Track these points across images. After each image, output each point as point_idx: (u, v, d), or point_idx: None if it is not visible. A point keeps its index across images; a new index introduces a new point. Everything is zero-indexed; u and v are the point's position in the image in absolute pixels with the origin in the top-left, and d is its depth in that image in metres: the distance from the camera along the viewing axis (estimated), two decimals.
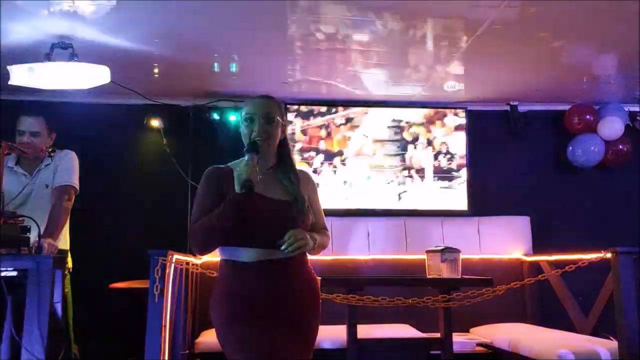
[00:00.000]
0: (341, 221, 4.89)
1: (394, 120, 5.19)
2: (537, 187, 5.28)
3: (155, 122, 4.96)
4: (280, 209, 2.16)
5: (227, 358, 2.10)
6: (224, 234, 2.09)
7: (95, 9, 3.29)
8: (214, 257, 2.31)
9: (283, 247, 2.06)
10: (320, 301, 2.26)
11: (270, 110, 2.22)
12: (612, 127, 5.11)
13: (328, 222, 2.41)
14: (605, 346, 3.66)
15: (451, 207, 5.16)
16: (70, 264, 3.44)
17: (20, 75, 3.62)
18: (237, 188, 2.03)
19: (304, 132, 5.11)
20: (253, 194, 2.04)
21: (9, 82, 3.65)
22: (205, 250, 2.15)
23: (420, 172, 5.18)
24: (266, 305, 2.09)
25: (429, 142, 5.20)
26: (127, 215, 4.84)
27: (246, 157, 2.10)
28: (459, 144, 5.21)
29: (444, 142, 5.21)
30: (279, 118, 2.23)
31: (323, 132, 5.13)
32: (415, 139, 5.19)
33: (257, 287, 2.10)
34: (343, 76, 4.56)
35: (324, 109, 5.15)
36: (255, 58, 4.21)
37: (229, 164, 2.27)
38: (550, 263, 4.62)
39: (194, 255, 4.30)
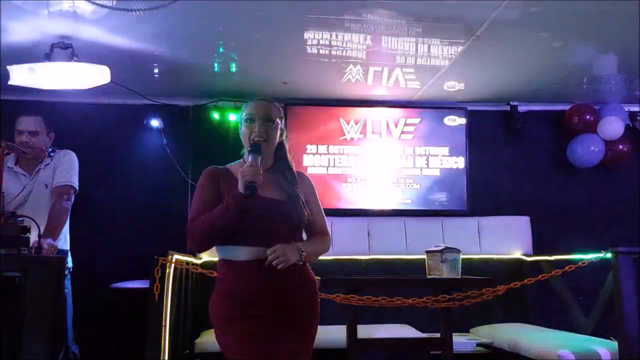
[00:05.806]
0: (341, 221, 4.89)
1: (393, 121, 5.19)
2: (537, 187, 5.28)
3: (155, 122, 4.96)
4: (276, 207, 2.18)
5: (226, 358, 2.11)
6: (223, 233, 2.11)
7: (95, 9, 3.29)
8: (215, 257, 2.32)
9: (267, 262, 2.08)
10: (319, 300, 2.27)
11: (270, 112, 2.26)
12: (612, 127, 5.11)
13: (328, 221, 2.40)
14: (605, 346, 3.67)
15: (451, 207, 5.17)
16: (70, 264, 3.44)
17: (20, 75, 3.62)
18: (241, 189, 2.05)
19: (304, 130, 5.10)
20: (255, 195, 2.05)
21: (9, 82, 3.65)
22: (202, 247, 2.20)
23: (420, 171, 5.17)
24: (264, 303, 2.11)
25: (429, 142, 5.19)
26: (127, 215, 4.83)
27: (249, 159, 2.12)
28: (459, 144, 5.21)
29: (443, 142, 5.20)
30: (278, 120, 2.27)
31: (323, 132, 5.13)
32: (414, 139, 5.19)
33: (255, 286, 2.12)
34: (343, 76, 4.56)
35: (324, 109, 5.15)
36: (255, 58, 4.21)
37: (227, 165, 2.30)
38: (550, 263, 4.62)
39: (194, 254, 4.30)
